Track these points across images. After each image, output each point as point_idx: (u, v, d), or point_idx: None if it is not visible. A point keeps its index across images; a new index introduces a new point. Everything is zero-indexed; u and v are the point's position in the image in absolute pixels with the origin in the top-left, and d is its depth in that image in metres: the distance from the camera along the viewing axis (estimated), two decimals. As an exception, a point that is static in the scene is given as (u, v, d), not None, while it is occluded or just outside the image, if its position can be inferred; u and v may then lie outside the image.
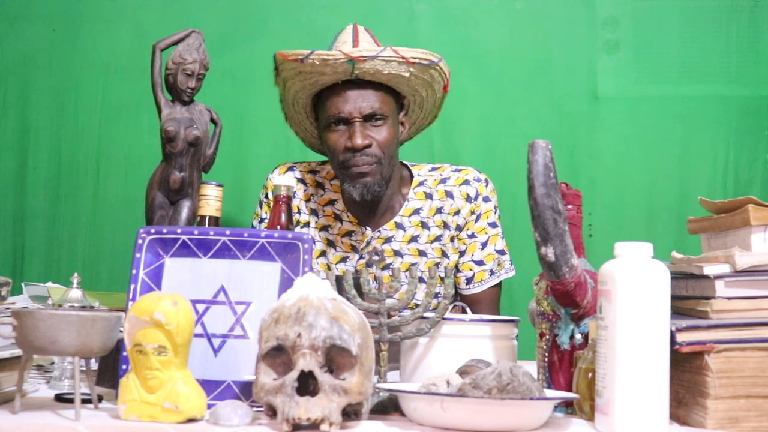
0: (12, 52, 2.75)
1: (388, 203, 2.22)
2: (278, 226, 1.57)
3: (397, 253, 2.20)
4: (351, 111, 2.08)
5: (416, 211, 2.22)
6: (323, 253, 2.23)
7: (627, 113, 2.69)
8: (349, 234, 2.22)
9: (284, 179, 1.60)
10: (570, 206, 1.50)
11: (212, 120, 1.83)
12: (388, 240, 2.20)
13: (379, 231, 2.21)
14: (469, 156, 2.70)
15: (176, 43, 1.79)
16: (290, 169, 2.27)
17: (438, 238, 2.22)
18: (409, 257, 2.21)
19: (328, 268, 2.21)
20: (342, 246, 2.22)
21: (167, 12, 2.72)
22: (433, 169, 2.27)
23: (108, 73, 2.73)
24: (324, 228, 2.23)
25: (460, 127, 2.61)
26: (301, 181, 2.26)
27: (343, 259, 2.22)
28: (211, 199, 1.57)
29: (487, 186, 2.25)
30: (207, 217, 1.57)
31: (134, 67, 2.61)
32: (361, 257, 2.19)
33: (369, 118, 2.10)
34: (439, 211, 2.22)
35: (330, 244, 2.22)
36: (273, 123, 2.70)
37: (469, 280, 2.24)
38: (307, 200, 2.25)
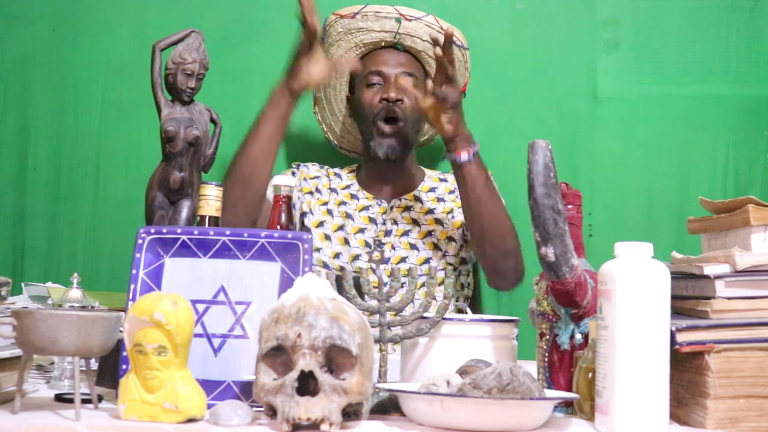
0: (12, 52, 2.74)
1: (403, 181, 2.41)
2: (278, 226, 1.57)
3: (415, 222, 2.35)
4: (389, 69, 2.35)
5: (432, 189, 2.42)
6: (342, 227, 2.35)
7: (627, 113, 2.69)
8: (366, 208, 2.38)
9: (284, 179, 1.60)
10: (570, 206, 1.50)
11: (212, 120, 1.83)
12: (407, 209, 2.37)
13: (399, 200, 2.38)
14: (468, 156, 2.70)
15: (176, 43, 1.79)
16: (314, 164, 2.48)
17: (451, 211, 2.38)
18: (426, 226, 2.34)
19: (346, 241, 2.32)
20: (360, 218, 2.36)
21: (167, 12, 2.72)
22: (443, 173, 2.48)
23: (108, 73, 2.73)
24: (342, 203, 2.39)
25: (460, 127, 2.60)
26: (323, 173, 2.46)
27: (361, 230, 2.34)
28: (211, 199, 1.57)
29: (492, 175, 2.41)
30: (207, 217, 1.57)
31: (134, 67, 2.61)
32: (383, 223, 2.33)
33: (403, 75, 2.35)
34: (452, 191, 2.39)
35: (348, 216, 2.36)
36: (273, 123, 2.71)
37: None
38: (328, 187, 2.43)
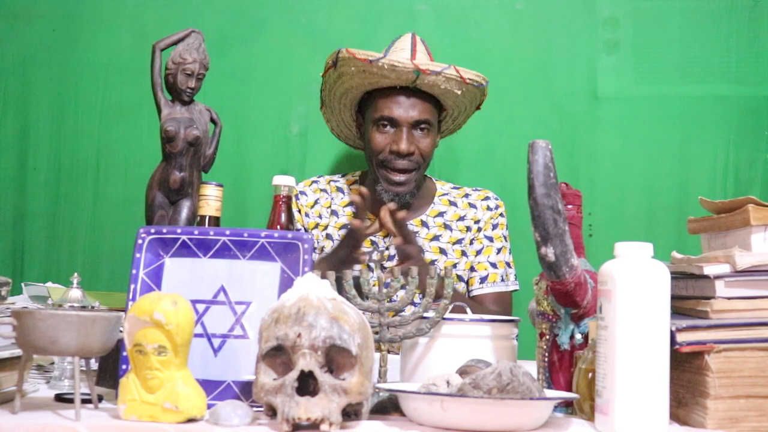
0: (12, 52, 2.75)
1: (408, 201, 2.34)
2: (278, 226, 1.57)
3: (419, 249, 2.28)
4: (402, 115, 2.23)
5: (440, 214, 2.36)
6: None
7: (627, 113, 2.69)
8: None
9: (284, 179, 1.60)
10: (570, 206, 1.50)
11: (212, 120, 1.83)
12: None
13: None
14: (469, 156, 2.70)
15: (176, 43, 1.79)
16: (314, 182, 2.43)
17: (459, 241, 2.34)
18: (430, 254, 2.32)
19: None
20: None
21: (167, 12, 2.72)
22: (455, 187, 2.43)
23: (108, 73, 2.73)
24: (344, 226, 2.34)
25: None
26: (324, 190, 2.41)
27: (363, 253, 2.27)
28: (211, 199, 1.57)
29: (503, 206, 2.41)
30: (207, 217, 1.57)
31: (134, 67, 2.61)
32: (387, 248, 2.31)
33: (416, 125, 2.25)
34: (462, 218, 2.36)
35: None
36: (273, 123, 2.72)
37: (483, 279, 2.34)
38: (329, 206, 2.38)
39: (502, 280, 2.35)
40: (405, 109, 2.23)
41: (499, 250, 2.36)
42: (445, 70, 2.19)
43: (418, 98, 2.24)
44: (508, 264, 2.37)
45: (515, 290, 2.38)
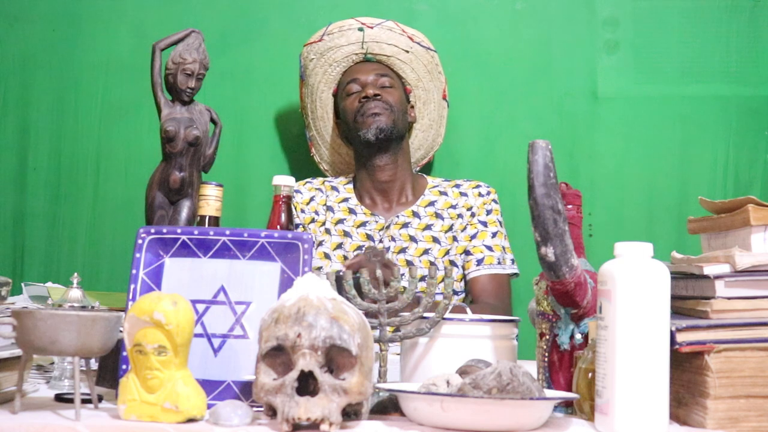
0: (12, 52, 2.75)
1: (399, 194, 2.42)
2: (278, 226, 1.57)
3: (412, 239, 2.37)
4: (364, 76, 2.43)
5: (431, 203, 2.41)
6: (340, 245, 2.36)
7: (627, 113, 2.69)
8: (363, 224, 2.38)
9: (284, 179, 1.60)
10: (570, 206, 1.50)
11: (212, 120, 1.83)
12: (405, 225, 2.38)
13: (398, 216, 2.38)
14: (469, 155, 2.70)
15: (176, 43, 1.79)
16: (308, 182, 2.49)
17: (451, 228, 2.38)
18: (423, 243, 2.36)
19: (346, 259, 2.33)
20: (358, 236, 2.37)
21: (167, 12, 2.72)
22: (446, 180, 2.48)
23: (108, 73, 2.73)
24: (340, 221, 2.40)
25: (460, 127, 2.61)
26: (319, 189, 2.46)
27: (360, 247, 2.35)
28: (211, 199, 1.57)
29: (495, 193, 2.44)
30: (207, 217, 1.57)
31: (134, 67, 2.61)
32: (380, 241, 2.35)
33: (379, 77, 2.42)
34: (453, 206, 2.40)
35: (346, 234, 2.37)
36: (273, 123, 2.72)
37: (479, 261, 2.36)
38: (324, 203, 2.43)
39: (499, 263, 2.36)
40: (365, 71, 2.44)
41: (494, 234, 2.37)
42: (385, 22, 2.46)
43: (375, 64, 2.46)
44: (504, 248, 2.38)
45: (514, 273, 2.37)
